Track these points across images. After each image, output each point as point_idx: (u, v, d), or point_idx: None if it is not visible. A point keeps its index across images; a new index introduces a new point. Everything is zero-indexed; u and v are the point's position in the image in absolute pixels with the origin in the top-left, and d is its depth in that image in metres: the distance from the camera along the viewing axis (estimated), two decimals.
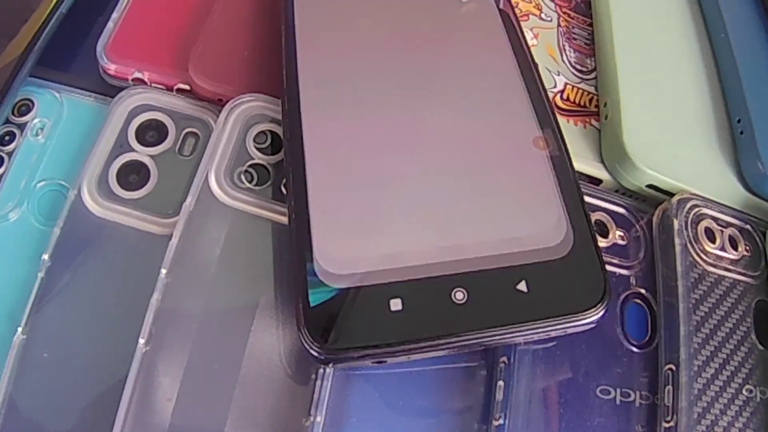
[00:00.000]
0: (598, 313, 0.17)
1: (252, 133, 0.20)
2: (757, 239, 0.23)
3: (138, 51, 0.23)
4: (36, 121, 0.22)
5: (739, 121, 0.24)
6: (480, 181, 0.18)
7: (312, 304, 0.16)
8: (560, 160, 0.18)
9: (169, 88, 0.23)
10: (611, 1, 0.24)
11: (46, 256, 0.19)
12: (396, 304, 0.16)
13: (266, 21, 0.23)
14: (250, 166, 0.20)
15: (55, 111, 0.22)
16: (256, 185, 0.20)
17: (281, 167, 0.20)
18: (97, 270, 0.19)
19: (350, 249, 0.17)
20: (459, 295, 0.16)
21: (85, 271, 0.19)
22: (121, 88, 0.22)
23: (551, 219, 0.17)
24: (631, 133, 0.21)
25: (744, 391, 0.20)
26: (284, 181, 0.19)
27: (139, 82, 0.23)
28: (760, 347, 0.21)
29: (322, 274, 0.16)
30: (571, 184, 0.18)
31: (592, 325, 0.17)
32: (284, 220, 0.19)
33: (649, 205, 0.22)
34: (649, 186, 0.21)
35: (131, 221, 0.20)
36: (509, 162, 0.18)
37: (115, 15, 0.24)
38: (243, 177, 0.20)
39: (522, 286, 0.16)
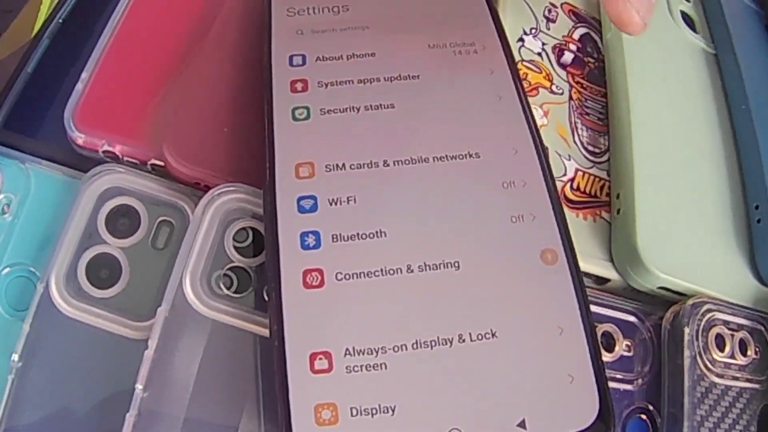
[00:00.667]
0: None
1: (232, 230, 0.18)
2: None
3: (108, 119, 0.21)
4: (1, 196, 0.20)
5: (757, 207, 0.22)
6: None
7: None
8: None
9: (143, 163, 0.21)
10: (629, 79, 0.22)
11: (15, 357, 0.18)
12: None
13: (250, 90, 0.21)
14: (229, 269, 0.18)
15: (21, 185, 0.20)
16: (235, 292, 0.18)
17: (263, 271, 0.18)
18: (70, 374, 0.18)
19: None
20: None
21: (58, 375, 0.18)
22: (92, 160, 0.21)
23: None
24: (645, 233, 0.19)
25: None
26: (266, 287, 0.18)
27: (111, 155, 0.21)
28: None
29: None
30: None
31: None
32: (267, 332, 0.17)
33: (657, 301, 0.21)
34: (661, 287, 0.20)
35: (103, 323, 0.18)
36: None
37: (84, 75, 0.21)
38: (221, 282, 0.18)
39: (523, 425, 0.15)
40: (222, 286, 0.18)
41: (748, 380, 0.21)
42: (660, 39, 0.24)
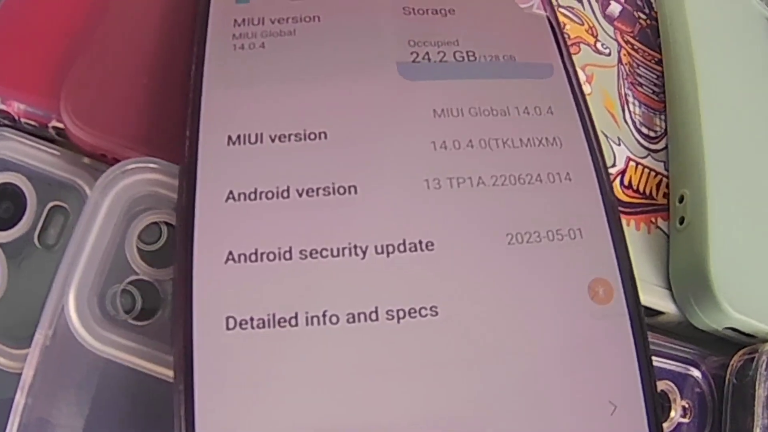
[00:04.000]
0: None
1: (137, 225, 0.13)
2: None
3: (6, 73, 0.16)
4: None
5: None
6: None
7: None
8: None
9: (43, 126, 0.16)
10: (694, 44, 0.16)
11: None
12: None
13: (177, 36, 0.15)
14: (131, 283, 0.13)
15: None
16: (138, 317, 0.13)
17: (172, 296, 0.13)
18: None
19: None
20: None
21: None
22: None
23: None
24: (720, 255, 0.14)
25: None
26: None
27: (6, 114, 0.16)
28: None
29: None
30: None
31: None
32: (170, 373, 0.12)
33: (711, 338, 0.15)
34: (730, 328, 0.15)
35: None
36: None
37: None
38: (119, 302, 0.13)
39: None
40: (119, 308, 0.13)
41: None
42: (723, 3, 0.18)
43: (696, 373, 0.15)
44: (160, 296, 0.13)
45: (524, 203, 0.12)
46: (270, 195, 0.12)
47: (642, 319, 0.11)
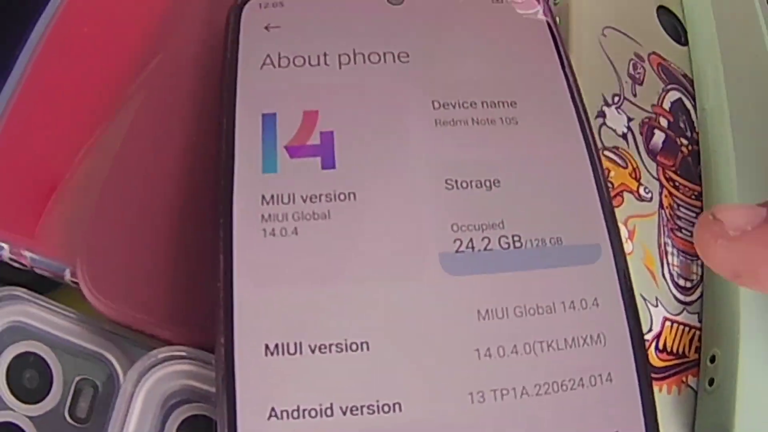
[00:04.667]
0: None
1: (176, 419, 0.13)
2: None
3: (11, 214, 0.15)
4: None
5: None
6: None
7: None
8: None
9: (59, 277, 0.15)
10: (736, 175, 0.15)
11: None
12: None
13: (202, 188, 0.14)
14: None
15: None
16: None
17: None
18: None
19: None
20: None
21: None
22: None
23: None
24: (746, 423, 0.14)
25: None
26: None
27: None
28: None
29: None
30: None
31: None
32: None
33: None
34: None
35: None
36: None
37: None
38: None
39: None
40: None
41: None
42: None
43: None
44: None
45: (567, 411, 0.12)
46: (314, 414, 0.12)
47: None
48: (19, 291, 0.14)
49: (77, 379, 0.14)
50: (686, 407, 0.15)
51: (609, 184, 0.14)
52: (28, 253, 0.15)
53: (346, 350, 0.12)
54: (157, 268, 0.14)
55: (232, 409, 0.12)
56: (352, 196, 0.13)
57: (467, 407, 0.12)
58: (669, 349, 0.15)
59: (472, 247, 0.13)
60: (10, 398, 0.14)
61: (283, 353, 0.12)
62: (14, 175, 0.15)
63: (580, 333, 0.13)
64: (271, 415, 0.12)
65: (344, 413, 0.12)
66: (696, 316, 0.16)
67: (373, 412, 0.12)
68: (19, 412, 0.14)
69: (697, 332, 0.16)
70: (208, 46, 0.16)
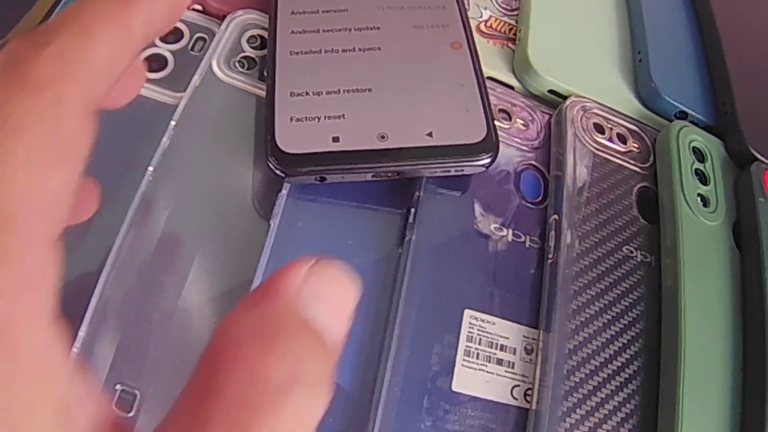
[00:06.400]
0: (485, 160, 0.23)
1: (246, 35, 0.27)
2: (647, 141, 0.28)
3: None
4: None
5: (639, 52, 0.30)
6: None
7: (277, 141, 0.22)
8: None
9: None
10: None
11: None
12: (336, 140, 0.22)
13: None
14: (242, 57, 0.26)
15: None
16: (246, 70, 0.26)
17: (265, 59, 0.26)
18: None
19: (307, 111, 0.23)
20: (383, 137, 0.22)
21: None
22: None
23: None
24: (535, 47, 0.28)
25: (624, 249, 0.25)
26: (265, 69, 0.26)
27: None
28: (642, 221, 0.26)
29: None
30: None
31: (482, 169, 0.23)
32: (263, 94, 0.25)
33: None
34: (551, 92, 0.27)
35: (151, 94, 0.26)
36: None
37: None
38: (237, 64, 0.26)
39: (431, 135, 0.23)
40: (237, 66, 0.26)
41: (627, 162, 0.27)
42: None
43: (529, 108, 0.27)
44: (256, 62, 0.26)
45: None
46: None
47: (477, 58, 0.25)
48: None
49: (196, 36, 0.28)
50: (507, 56, 0.29)
51: None
52: None
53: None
54: None
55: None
56: None
57: None
58: (494, 28, 0.29)
59: None
60: (159, 42, 0.27)
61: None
62: None
63: None
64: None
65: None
66: (515, 21, 0.30)
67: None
68: (163, 48, 0.27)
69: (515, 28, 0.29)
70: None
